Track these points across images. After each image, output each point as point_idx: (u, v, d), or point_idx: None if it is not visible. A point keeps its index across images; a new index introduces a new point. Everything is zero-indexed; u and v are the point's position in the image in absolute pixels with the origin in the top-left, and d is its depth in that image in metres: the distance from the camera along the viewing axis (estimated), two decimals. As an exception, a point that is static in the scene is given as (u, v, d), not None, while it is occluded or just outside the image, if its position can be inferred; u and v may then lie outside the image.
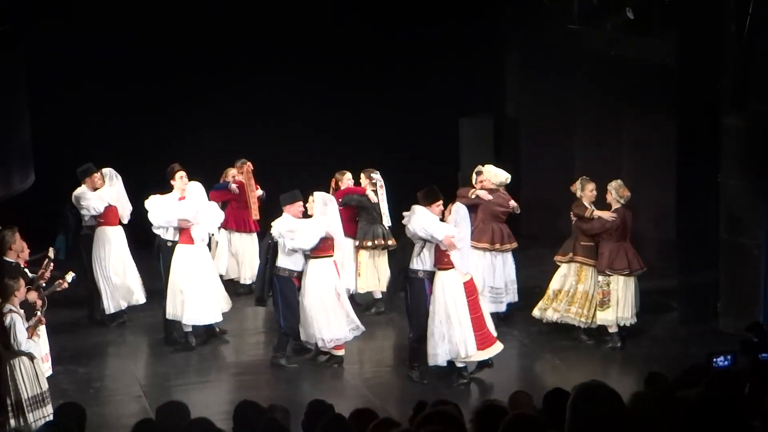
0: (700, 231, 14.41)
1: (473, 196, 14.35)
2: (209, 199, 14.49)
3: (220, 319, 14.37)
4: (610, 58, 15.82)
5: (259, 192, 15.89)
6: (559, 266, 14.17)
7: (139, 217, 14.71)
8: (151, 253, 14.50)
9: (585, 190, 13.93)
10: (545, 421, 6.00)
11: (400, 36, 18.34)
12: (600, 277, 13.80)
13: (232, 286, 15.92)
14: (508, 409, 6.18)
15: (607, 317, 13.82)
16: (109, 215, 15.01)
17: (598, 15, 15.01)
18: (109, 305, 14.90)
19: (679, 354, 13.35)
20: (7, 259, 12.16)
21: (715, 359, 7.93)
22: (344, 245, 14.20)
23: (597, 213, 13.73)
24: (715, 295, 14.40)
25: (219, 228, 15.11)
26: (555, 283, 14.17)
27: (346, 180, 15.12)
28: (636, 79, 15.76)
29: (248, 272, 15.95)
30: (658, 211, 15.38)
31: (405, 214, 12.74)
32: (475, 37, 18.63)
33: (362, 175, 15.12)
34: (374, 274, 15.27)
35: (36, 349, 11.11)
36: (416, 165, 17.62)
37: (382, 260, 15.26)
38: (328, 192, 14.48)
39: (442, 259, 12.58)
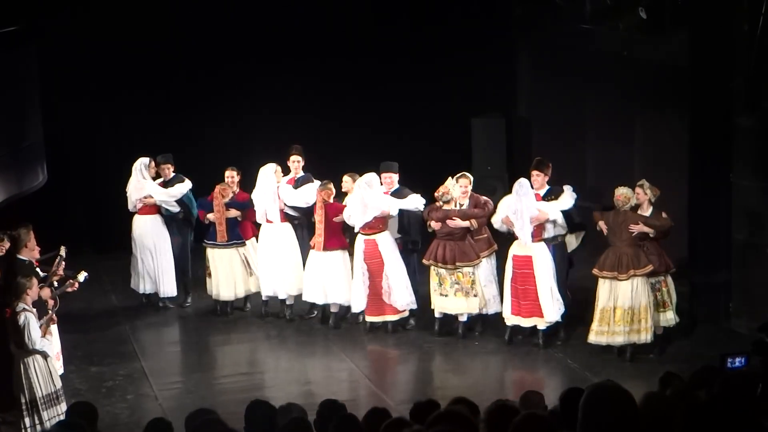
0: (713, 231, 14.39)
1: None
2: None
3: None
4: (623, 58, 15.78)
5: (235, 213, 15.15)
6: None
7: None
8: None
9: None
10: (556, 420, 6.00)
11: (411, 36, 18.33)
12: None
13: None
14: (519, 409, 6.17)
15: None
16: None
17: (611, 15, 14.99)
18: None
19: (690, 354, 13.33)
20: (21, 257, 12.14)
21: (729, 360, 7.92)
22: None
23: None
24: (727, 295, 14.37)
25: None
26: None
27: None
28: (648, 79, 15.72)
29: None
30: (670, 212, 15.32)
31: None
32: (487, 37, 18.61)
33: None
34: None
35: (49, 347, 11.16)
36: (428, 165, 17.59)
37: None
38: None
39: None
